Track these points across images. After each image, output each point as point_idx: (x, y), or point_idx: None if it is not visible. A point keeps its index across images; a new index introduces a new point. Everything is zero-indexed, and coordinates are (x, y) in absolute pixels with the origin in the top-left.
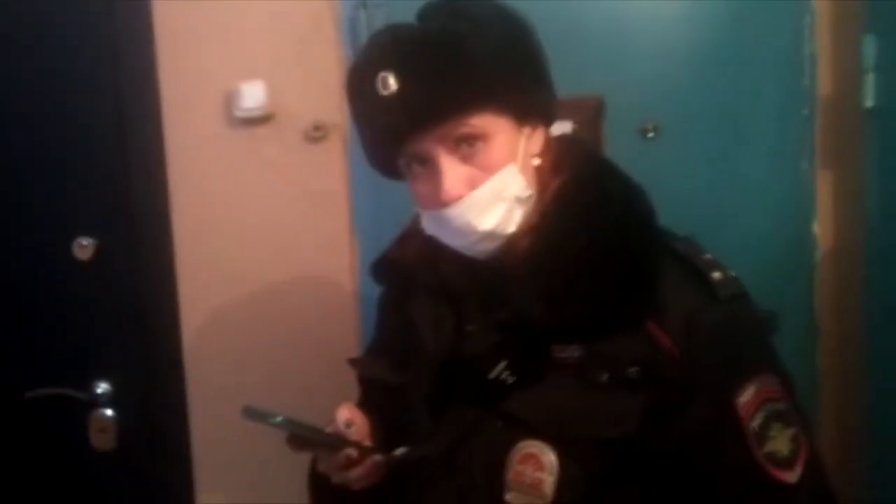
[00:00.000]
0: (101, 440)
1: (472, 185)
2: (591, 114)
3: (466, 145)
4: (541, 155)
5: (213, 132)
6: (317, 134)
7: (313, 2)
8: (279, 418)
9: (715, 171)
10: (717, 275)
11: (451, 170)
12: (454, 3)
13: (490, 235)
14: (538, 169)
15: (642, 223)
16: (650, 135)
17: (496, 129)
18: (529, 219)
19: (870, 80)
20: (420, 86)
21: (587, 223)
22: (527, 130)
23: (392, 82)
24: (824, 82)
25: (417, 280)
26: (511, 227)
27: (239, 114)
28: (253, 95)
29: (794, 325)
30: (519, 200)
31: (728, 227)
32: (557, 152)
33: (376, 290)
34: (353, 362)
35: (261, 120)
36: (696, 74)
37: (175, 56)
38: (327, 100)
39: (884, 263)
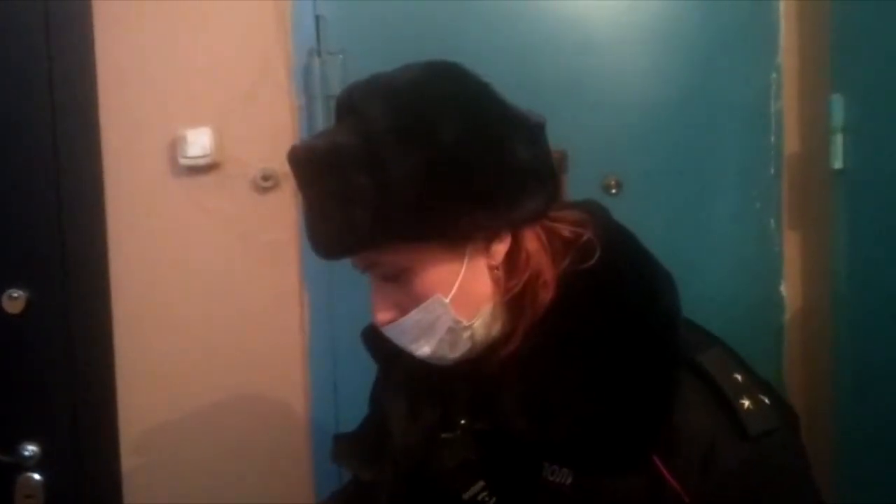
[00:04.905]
0: None
1: (402, 309)
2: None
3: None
4: (526, 250)
5: (155, 181)
6: (266, 184)
7: (264, 47)
8: None
9: (679, 229)
10: (746, 402)
11: (380, 292)
12: (389, 87)
13: (434, 358)
14: (521, 263)
15: (665, 326)
16: (613, 191)
17: (419, 260)
18: (519, 319)
19: (838, 141)
20: (324, 214)
21: (593, 320)
22: (470, 249)
23: (311, 201)
24: (791, 141)
25: (399, 359)
26: (458, 353)
27: (184, 162)
28: (199, 143)
29: None
30: (454, 331)
31: (692, 287)
32: (559, 241)
33: (327, 346)
34: (336, 440)
35: (207, 168)
36: (661, 130)
37: (117, 100)
38: (278, 149)
39: (852, 325)
